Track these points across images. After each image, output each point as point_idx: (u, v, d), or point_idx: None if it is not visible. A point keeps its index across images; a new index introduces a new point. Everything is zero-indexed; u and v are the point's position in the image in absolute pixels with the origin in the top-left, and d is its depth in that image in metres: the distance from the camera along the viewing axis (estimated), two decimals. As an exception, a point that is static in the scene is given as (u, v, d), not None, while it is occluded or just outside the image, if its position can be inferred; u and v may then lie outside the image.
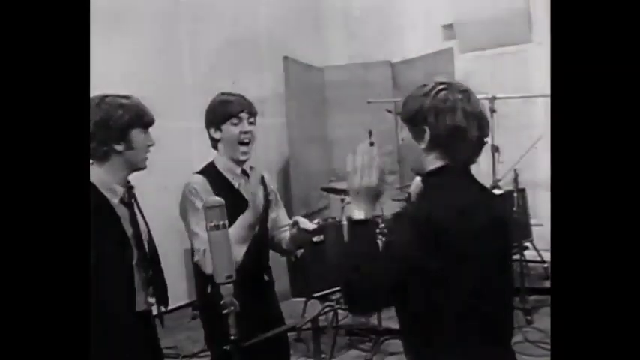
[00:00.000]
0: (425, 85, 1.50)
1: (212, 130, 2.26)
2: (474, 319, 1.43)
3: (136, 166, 2.04)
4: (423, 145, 1.48)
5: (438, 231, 1.36)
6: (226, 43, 5.36)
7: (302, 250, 2.39)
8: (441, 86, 1.48)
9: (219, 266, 1.55)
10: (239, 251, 2.12)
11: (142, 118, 2.01)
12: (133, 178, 2.10)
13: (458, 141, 1.45)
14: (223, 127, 2.22)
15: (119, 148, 1.96)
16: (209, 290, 2.21)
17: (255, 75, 5.49)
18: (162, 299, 2.11)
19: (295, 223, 2.22)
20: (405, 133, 1.54)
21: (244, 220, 2.13)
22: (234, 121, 2.22)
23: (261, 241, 2.28)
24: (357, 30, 6.49)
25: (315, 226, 2.18)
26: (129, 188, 2.04)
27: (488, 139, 1.52)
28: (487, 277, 1.45)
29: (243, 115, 2.23)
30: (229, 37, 5.41)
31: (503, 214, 1.68)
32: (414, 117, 1.49)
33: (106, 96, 1.96)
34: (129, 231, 1.98)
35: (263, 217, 2.27)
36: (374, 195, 1.47)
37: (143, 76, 4.70)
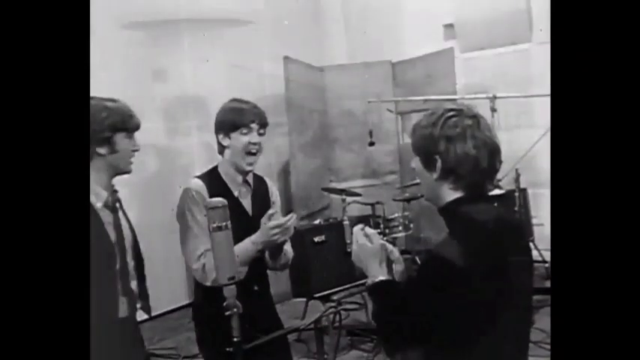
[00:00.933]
0: (433, 113, 1.49)
1: (221, 137, 2.23)
2: (494, 340, 1.43)
3: (120, 170, 2.01)
4: (435, 175, 1.47)
5: (465, 269, 1.35)
6: (226, 43, 5.36)
7: (283, 264, 2.33)
8: (450, 113, 1.46)
9: (222, 268, 1.54)
10: (239, 272, 2.07)
11: (126, 123, 1.98)
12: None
13: (469, 169, 1.43)
14: (232, 134, 2.19)
15: (102, 151, 1.93)
16: (202, 293, 2.21)
17: (256, 75, 5.49)
18: (145, 307, 2.08)
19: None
20: (415, 163, 1.53)
21: (252, 240, 2.10)
22: (244, 130, 2.18)
23: None
24: (357, 29, 6.48)
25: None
26: (113, 192, 2.01)
27: (500, 165, 1.50)
28: (510, 302, 1.45)
29: (254, 125, 2.20)
30: (230, 38, 5.40)
31: (527, 240, 1.70)
32: (424, 147, 1.48)
33: (92, 98, 1.93)
34: (112, 236, 1.95)
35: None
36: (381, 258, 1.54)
37: (143, 77, 4.70)
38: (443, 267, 1.37)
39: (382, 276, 1.51)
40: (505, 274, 1.42)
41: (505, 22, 5.65)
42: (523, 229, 1.75)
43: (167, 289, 4.85)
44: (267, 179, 2.40)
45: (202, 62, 5.17)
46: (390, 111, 5.37)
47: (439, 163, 1.45)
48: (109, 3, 4.46)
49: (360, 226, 1.61)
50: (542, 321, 4.06)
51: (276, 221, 2.09)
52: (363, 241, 1.55)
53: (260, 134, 2.22)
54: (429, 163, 1.47)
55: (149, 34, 4.79)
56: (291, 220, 2.12)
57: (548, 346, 3.60)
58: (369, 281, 1.51)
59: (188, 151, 4.84)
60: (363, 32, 6.36)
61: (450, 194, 1.47)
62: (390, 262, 1.59)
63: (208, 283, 2.12)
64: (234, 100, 2.27)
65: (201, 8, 5.21)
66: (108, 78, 4.45)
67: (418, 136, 1.50)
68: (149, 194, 4.56)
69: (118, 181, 1.94)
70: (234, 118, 2.20)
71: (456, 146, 1.42)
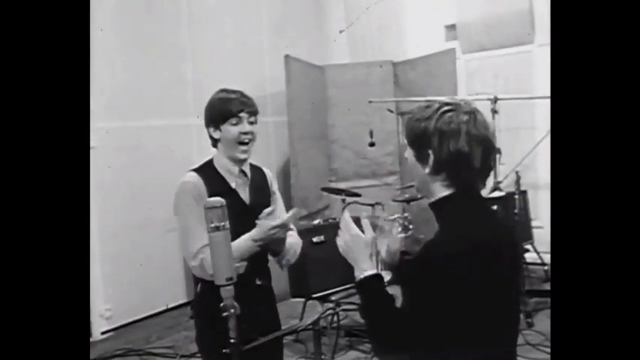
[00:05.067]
0: (429, 106, 1.45)
1: (211, 129, 2.18)
2: (481, 341, 1.39)
3: None
4: (427, 169, 1.44)
5: (456, 269, 1.33)
6: (228, 41, 5.34)
7: (289, 259, 2.32)
8: (446, 107, 1.43)
9: (220, 268, 1.52)
10: (238, 267, 2.06)
11: None
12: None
13: (461, 166, 1.40)
14: (223, 126, 2.14)
15: None
16: (199, 289, 2.17)
17: (257, 73, 5.48)
18: None
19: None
20: (409, 154, 1.50)
21: (252, 238, 2.08)
22: (234, 120, 2.13)
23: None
24: (359, 29, 6.47)
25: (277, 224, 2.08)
26: None
27: (494, 164, 1.47)
28: (498, 304, 1.42)
29: (244, 114, 2.14)
30: (231, 35, 5.39)
31: (517, 243, 1.66)
32: (418, 140, 1.45)
33: None
34: None
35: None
36: (372, 250, 1.51)
37: (144, 74, 4.69)
38: (432, 265, 1.35)
39: (372, 270, 1.47)
40: (494, 275, 1.39)
41: (507, 24, 5.64)
42: (514, 230, 1.72)
43: (165, 287, 4.84)
44: (265, 169, 2.36)
45: (203, 59, 5.16)
46: (391, 111, 5.36)
47: (431, 158, 1.42)
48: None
49: (348, 214, 1.57)
50: (541, 323, 4.06)
51: (274, 222, 2.07)
52: (357, 231, 1.51)
53: (251, 123, 2.17)
54: (421, 157, 1.45)
55: (149, 29, 4.77)
56: (291, 218, 2.10)
57: (548, 349, 3.60)
58: (358, 275, 1.48)
59: (187, 149, 4.82)
60: (365, 31, 6.35)
61: (442, 190, 1.45)
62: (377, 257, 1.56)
63: (209, 278, 2.09)
64: (222, 90, 2.21)
65: (202, 6, 5.20)
66: (106, 73, 4.45)
67: (412, 128, 1.46)
68: (147, 192, 4.54)
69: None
70: (222, 109, 2.15)
71: (449, 142, 1.39)
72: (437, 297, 1.33)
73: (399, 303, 1.44)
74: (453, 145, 1.39)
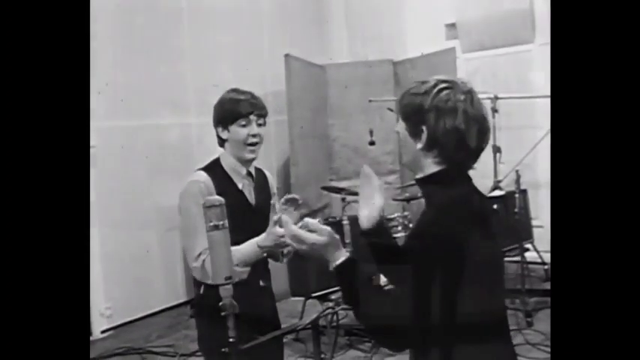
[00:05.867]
0: (426, 82, 1.45)
1: (219, 129, 2.18)
2: (470, 321, 1.40)
3: None
4: (420, 145, 1.43)
5: (445, 244, 1.34)
6: (228, 40, 5.34)
7: (287, 254, 2.31)
8: (443, 85, 1.42)
9: (218, 267, 1.52)
10: (242, 273, 2.05)
11: None
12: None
13: (456, 144, 1.40)
14: (231, 127, 2.14)
15: None
16: (201, 291, 2.16)
17: (257, 72, 5.47)
18: None
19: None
20: (400, 128, 1.49)
21: (258, 244, 2.06)
22: (243, 122, 2.13)
23: None
24: (359, 28, 6.46)
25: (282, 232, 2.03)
26: None
27: (487, 144, 1.47)
28: (484, 283, 1.42)
29: (253, 117, 2.14)
30: (231, 34, 5.38)
31: (498, 221, 1.67)
32: (413, 115, 1.44)
33: None
34: None
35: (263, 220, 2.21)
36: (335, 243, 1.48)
37: (144, 74, 4.69)
38: (420, 243, 1.36)
39: (339, 258, 1.45)
40: (479, 252, 1.39)
41: (508, 23, 5.63)
42: (496, 211, 1.72)
43: (165, 286, 4.85)
44: (265, 171, 2.37)
45: (203, 58, 5.15)
46: (391, 110, 5.35)
47: (425, 134, 1.42)
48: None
49: (299, 223, 1.51)
50: (541, 323, 4.06)
51: (285, 231, 2.05)
52: (313, 239, 1.45)
53: (259, 125, 2.17)
54: (414, 132, 1.44)
55: (149, 27, 4.77)
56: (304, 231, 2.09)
57: (548, 349, 3.60)
58: (333, 265, 1.45)
59: (187, 148, 4.82)
60: (365, 30, 6.35)
61: (432, 166, 1.44)
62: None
63: (209, 281, 2.08)
64: (232, 90, 2.21)
65: (203, 4, 5.20)
66: (106, 73, 4.45)
67: (407, 102, 1.45)
68: (147, 191, 4.54)
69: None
70: (232, 110, 2.14)
71: (445, 120, 1.39)
72: (425, 274, 1.33)
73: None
74: (450, 123, 1.39)
